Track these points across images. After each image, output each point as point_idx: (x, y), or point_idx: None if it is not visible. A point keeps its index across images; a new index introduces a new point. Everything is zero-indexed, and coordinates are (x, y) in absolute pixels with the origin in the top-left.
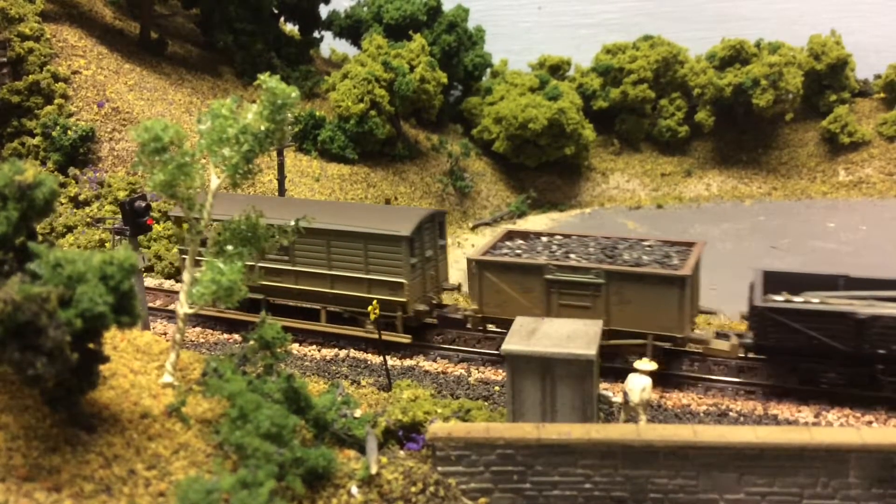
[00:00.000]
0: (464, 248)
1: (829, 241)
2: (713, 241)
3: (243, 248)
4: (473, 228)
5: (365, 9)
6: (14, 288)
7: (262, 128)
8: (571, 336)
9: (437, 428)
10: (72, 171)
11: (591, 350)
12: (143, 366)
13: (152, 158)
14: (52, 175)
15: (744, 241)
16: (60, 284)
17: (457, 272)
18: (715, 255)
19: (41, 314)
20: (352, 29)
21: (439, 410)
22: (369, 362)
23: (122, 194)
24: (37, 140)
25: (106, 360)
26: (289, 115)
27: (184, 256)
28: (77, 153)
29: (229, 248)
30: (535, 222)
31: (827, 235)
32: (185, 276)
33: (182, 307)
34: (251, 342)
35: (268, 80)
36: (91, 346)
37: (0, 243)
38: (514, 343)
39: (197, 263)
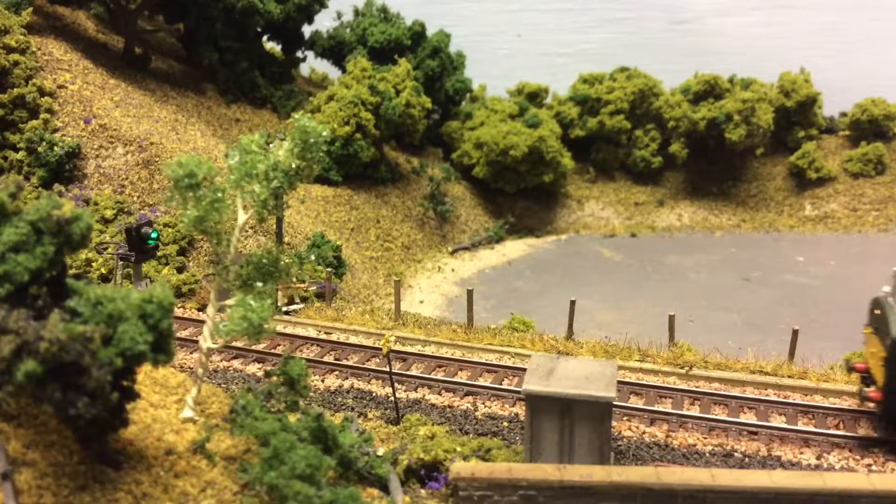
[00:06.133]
0: (444, 272)
1: (799, 275)
2: (686, 273)
3: (265, 283)
4: (453, 253)
5: (348, 30)
6: (58, 327)
7: (293, 165)
8: (590, 377)
9: (459, 467)
10: (57, 187)
11: (610, 392)
12: (161, 399)
13: (185, 194)
14: (87, 210)
15: (717, 272)
16: (101, 322)
17: (438, 297)
18: (689, 287)
19: (85, 354)
20: (334, 50)
21: (458, 449)
22: (374, 394)
23: (109, 213)
24: (20, 155)
25: (136, 396)
26: (320, 153)
27: None
28: (63, 169)
29: (259, 284)
30: (513, 248)
31: (797, 269)
32: (210, 309)
33: (206, 341)
34: (274, 378)
35: (300, 119)
36: (125, 383)
37: (35, 278)
38: (533, 383)
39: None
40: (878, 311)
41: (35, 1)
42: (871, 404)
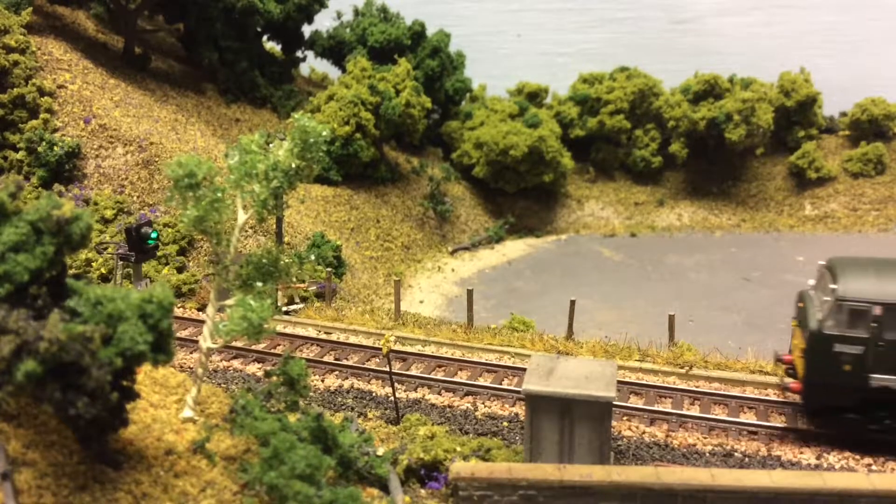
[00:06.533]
0: (444, 272)
1: (799, 275)
2: (686, 273)
3: (264, 282)
4: (453, 253)
5: (348, 30)
6: (58, 327)
7: (293, 165)
8: (590, 377)
9: (459, 467)
10: (56, 187)
11: (610, 392)
12: (161, 399)
13: (185, 194)
14: (87, 210)
15: (717, 272)
16: (101, 322)
17: (438, 297)
18: (690, 287)
19: (85, 354)
20: (334, 50)
21: (458, 449)
22: (374, 394)
23: (109, 213)
24: (20, 154)
25: (136, 396)
26: (320, 152)
27: None
28: (62, 169)
29: (258, 284)
30: (513, 248)
31: (797, 269)
32: (210, 309)
33: (206, 341)
34: (274, 378)
35: (300, 119)
36: (125, 383)
37: (35, 278)
38: (533, 383)
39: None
40: (801, 305)
41: (35, 1)
42: (794, 395)
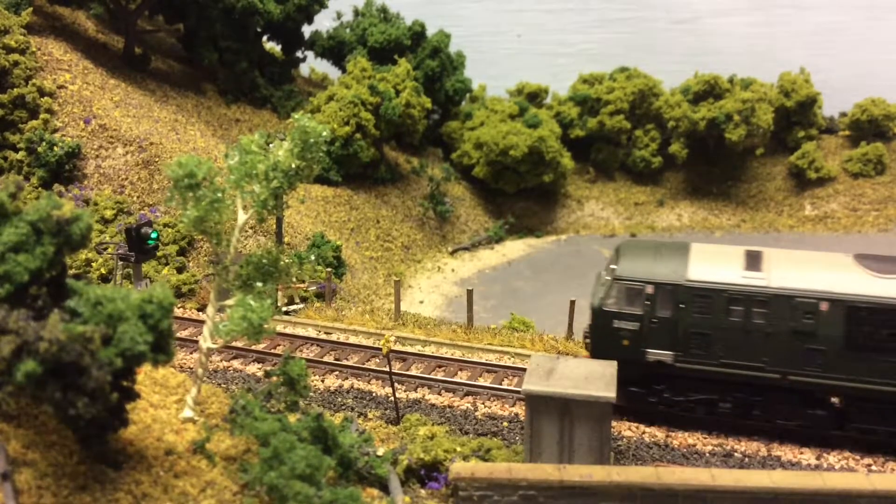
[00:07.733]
0: (444, 272)
1: None
2: None
3: (264, 283)
4: (452, 253)
5: (348, 31)
6: (58, 327)
7: (293, 165)
8: (589, 377)
9: (459, 468)
10: (56, 187)
11: (610, 392)
12: (161, 399)
13: (185, 194)
14: (87, 210)
15: None
16: (101, 323)
17: (438, 297)
18: None
19: (84, 354)
20: (334, 50)
21: (458, 449)
22: (374, 394)
23: (108, 213)
24: (20, 155)
25: (137, 396)
26: (320, 153)
27: None
28: (62, 170)
29: (259, 284)
30: (513, 248)
31: None
32: (210, 309)
33: (206, 341)
34: (274, 378)
35: (300, 119)
36: (125, 383)
37: (35, 278)
38: (533, 384)
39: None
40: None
41: (35, 1)
42: None
